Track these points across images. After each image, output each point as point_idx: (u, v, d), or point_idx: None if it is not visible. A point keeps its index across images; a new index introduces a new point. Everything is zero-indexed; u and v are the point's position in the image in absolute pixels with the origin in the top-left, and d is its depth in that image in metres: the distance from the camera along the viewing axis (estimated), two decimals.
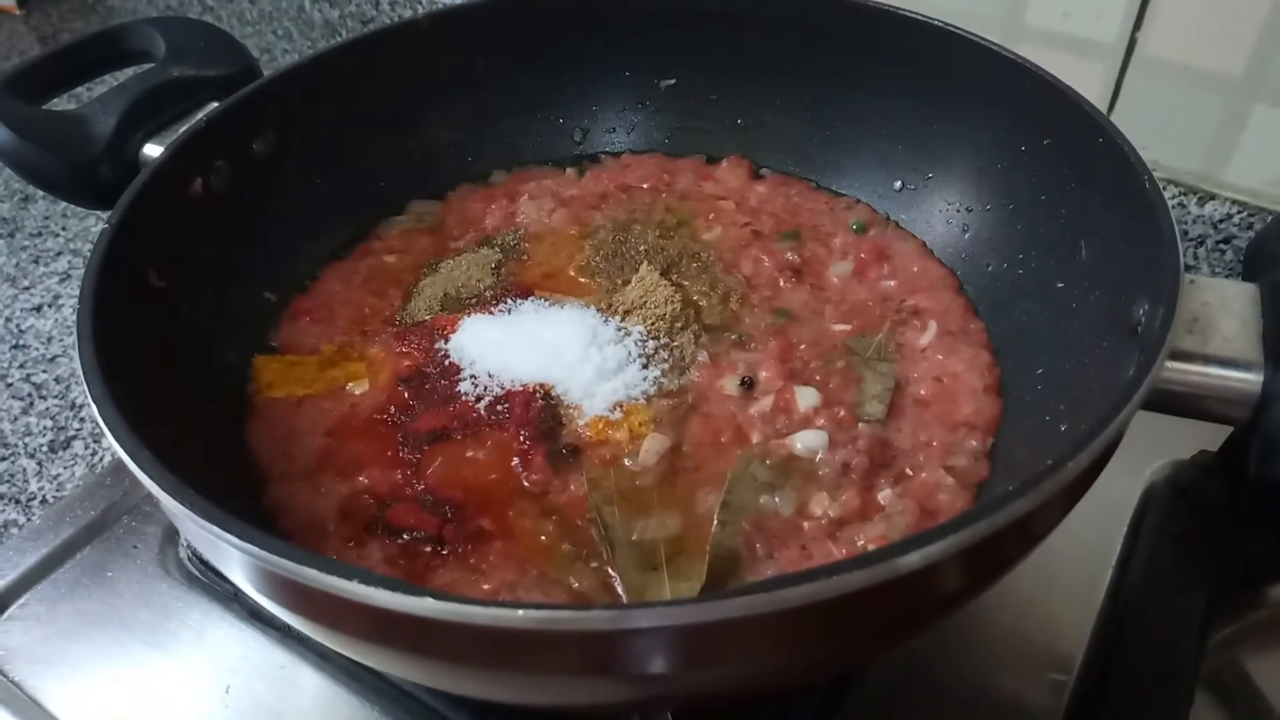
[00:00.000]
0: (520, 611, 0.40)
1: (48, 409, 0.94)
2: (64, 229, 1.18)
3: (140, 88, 0.80)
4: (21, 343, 1.02)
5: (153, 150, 0.79)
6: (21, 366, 0.99)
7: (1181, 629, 0.66)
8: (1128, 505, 0.75)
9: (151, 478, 0.48)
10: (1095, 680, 0.65)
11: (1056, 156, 0.70)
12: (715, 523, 0.61)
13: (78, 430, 0.92)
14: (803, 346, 0.73)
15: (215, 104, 0.79)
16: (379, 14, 1.37)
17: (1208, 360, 0.55)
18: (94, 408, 0.51)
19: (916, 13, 0.78)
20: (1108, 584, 0.70)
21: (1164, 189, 0.90)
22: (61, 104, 0.85)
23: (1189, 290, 0.57)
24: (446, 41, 0.87)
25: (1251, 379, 0.54)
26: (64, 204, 1.17)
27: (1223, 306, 0.57)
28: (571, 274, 0.81)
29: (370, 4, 1.37)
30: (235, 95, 0.76)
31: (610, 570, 0.60)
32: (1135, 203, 0.59)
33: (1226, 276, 0.92)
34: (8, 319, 1.05)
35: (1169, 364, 0.54)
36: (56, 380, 0.97)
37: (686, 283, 0.79)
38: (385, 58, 0.85)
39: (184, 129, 0.73)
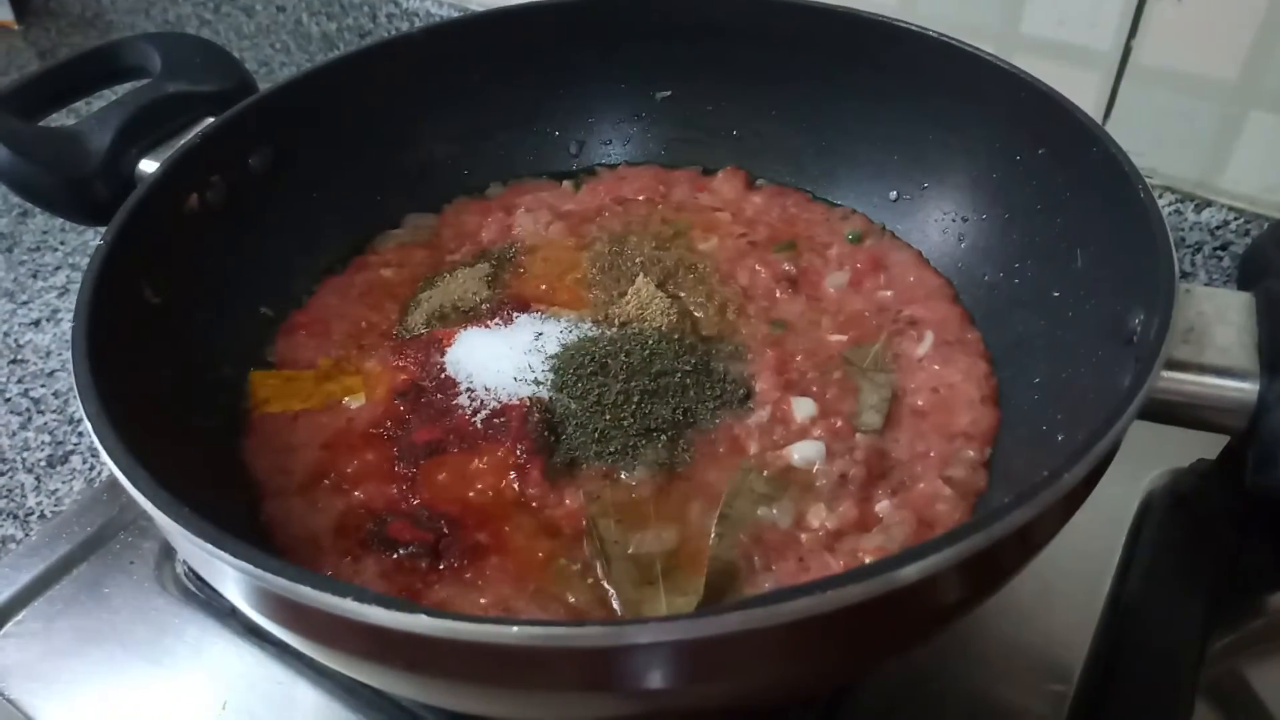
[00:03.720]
0: (515, 628, 0.40)
1: (46, 424, 0.94)
2: (62, 243, 1.18)
3: (136, 103, 0.80)
4: (20, 357, 1.02)
5: (148, 166, 0.79)
6: (19, 381, 0.99)
7: (1181, 637, 0.66)
8: (1126, 514, 0.74)
9: (145, 495, 0.48)
10: (1095, 690, 0.65)
11: (1052, 166, 0.70)
12: (712, 535, 0.61)
13: (76, 445, 0.92)
14: (799, 357, 0.73)
15: (211, 119, 0.79)
16: (376, 27, 1.38)
17: (1203, 370, 0.55)
18: (88, 425, 0.51)
19: (911, 23, 0.78)
20: (1107, 593, 0.70)
21: (1161, 196, 0.91)
22: (59, 119, 0.86)
23: (1184, 299, 0.57)
24: (442, 55, 0.88)
25: (1247, 388, 0.54)
26: (62, 219, 1.17)
27: (1218, 316, 0.57)
28: (568, 286, 0.81)
29: (367, 17, 1.37)
30: (230, 111, 0.76)
31: (607, 585, 0.59)
32: (1130, 212, 0.59)
33: (1224, 282, 0.92)
34: (6, 333, 1.05)
35: (1165, 374, 0.54)
36: (55, 395, 0.97)
37: (683, 294, 0.79)
38: (380, 72, 0.85)
39: (179, 145, 0.73)
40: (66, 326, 1.04)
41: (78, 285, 0.60)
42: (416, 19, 1.32)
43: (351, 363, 0.75)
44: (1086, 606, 0.69)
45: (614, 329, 0.75)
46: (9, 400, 0.97)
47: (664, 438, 0.67)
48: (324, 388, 0.73)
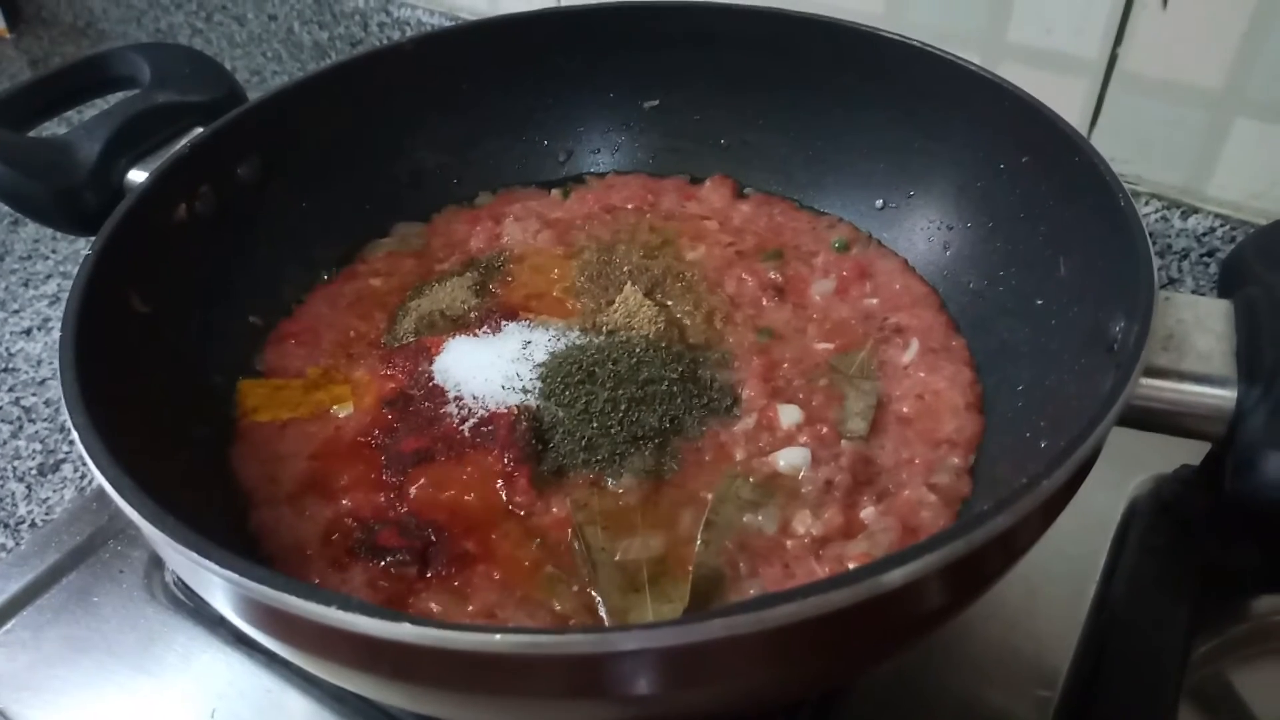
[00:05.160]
0: (499, 636, 0.40)
1: (37, 432, 0.94)
2: (54, 252, 1.19)
3: (125, 114, 0.80)
4: (11, 366, 1.02)
5: (137, 176, 0.79)
6: (10, 390, 0.99)
7: (1165, 642, 0.67)
8: (1111, 520, 0.75)
9: (132, 504, 0.48)
10: (1080, 695, 0.65)
11: (1035, 174, 0.71)
12: (698, 542, 0.61)
13: (67, 453, 0.92)
14: (786, 365, 0.74)
15: (200, 129, 0.79)
16: (368, 35, 1.38)
17: (1182, 377, 0.55)
18: (75, 434, 0.52)
19: (896, 33, 0.79)
20: (1092, 598, 0.70)
21: (1147, 203, 0.92)
22: (48, 129, 0.86)
23: (1164, 307, 0.58)
24: (431, 64, 0.88)
25: (1226, 395, 0.55)
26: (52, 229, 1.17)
27: (1198, 323, 0.57)
28: (556, 295, 0.81)
29: (359, 26, 1.38)
30: (219, 121, 0.77)
31: (593, 592, 0.60)
32: (1111, 220, 0.59)
33: (1210, 289, 0.93)
34: None
35: (1144, 381, 0.54)
36: (46, 403, 0.97)
37: (670, 302, 0.79)
38: (369, 81, 0.85)
39: (168, 154, 0.74)
40: (58, 335, 1.03)
41: None
42: (408, 28, 1.32)
43: (340, 371, 0.76)
44: (1072, 612, 0.69)
45: (602, 337, 0.75)
46: (0, 409, 0.97)
47: (651, 445, 0.67)
48: (312, 396, 0.73)
